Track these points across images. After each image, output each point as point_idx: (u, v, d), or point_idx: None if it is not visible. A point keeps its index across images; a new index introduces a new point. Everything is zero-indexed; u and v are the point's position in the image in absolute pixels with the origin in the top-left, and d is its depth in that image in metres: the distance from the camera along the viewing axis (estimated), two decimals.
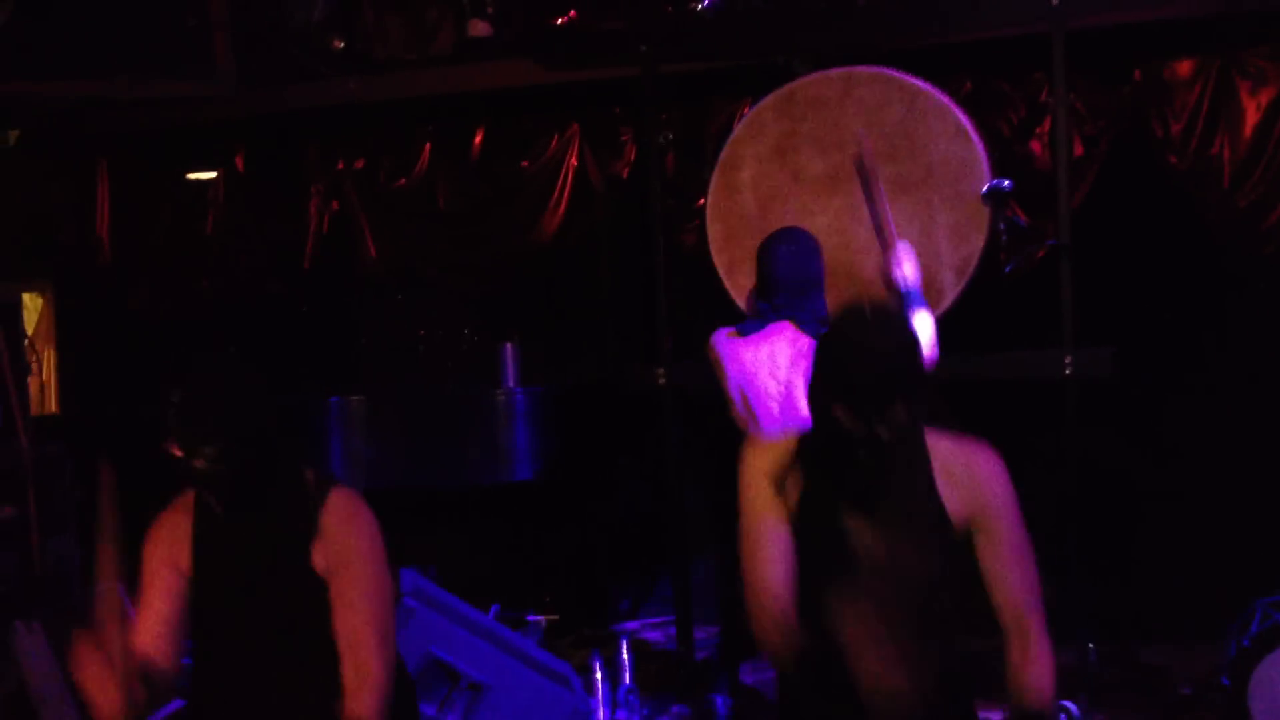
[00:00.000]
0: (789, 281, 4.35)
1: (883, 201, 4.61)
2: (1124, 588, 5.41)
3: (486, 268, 6.43)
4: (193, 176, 6.89)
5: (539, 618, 5.79)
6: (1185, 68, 5.30)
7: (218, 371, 2.71)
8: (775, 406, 4.35)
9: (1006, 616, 2.55)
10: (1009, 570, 2.53)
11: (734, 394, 4.44)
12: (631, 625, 6.29)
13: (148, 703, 2.69)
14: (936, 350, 4.31)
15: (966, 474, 2.54)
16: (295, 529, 2.70)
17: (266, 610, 2.73)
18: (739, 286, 4.90)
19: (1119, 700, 5.03)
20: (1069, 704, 4.83)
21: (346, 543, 2.69)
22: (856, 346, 2.43)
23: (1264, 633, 4.36)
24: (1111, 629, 5.20)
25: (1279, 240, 5.26)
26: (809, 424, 2.61)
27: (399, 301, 6.70)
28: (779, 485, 2.56)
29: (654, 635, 6.16)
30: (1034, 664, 2.53)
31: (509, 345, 6.26)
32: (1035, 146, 5.50)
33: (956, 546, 2.53)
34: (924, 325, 4.32)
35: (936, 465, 2.53)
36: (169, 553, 2.77)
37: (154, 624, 2.75)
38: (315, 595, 2.69)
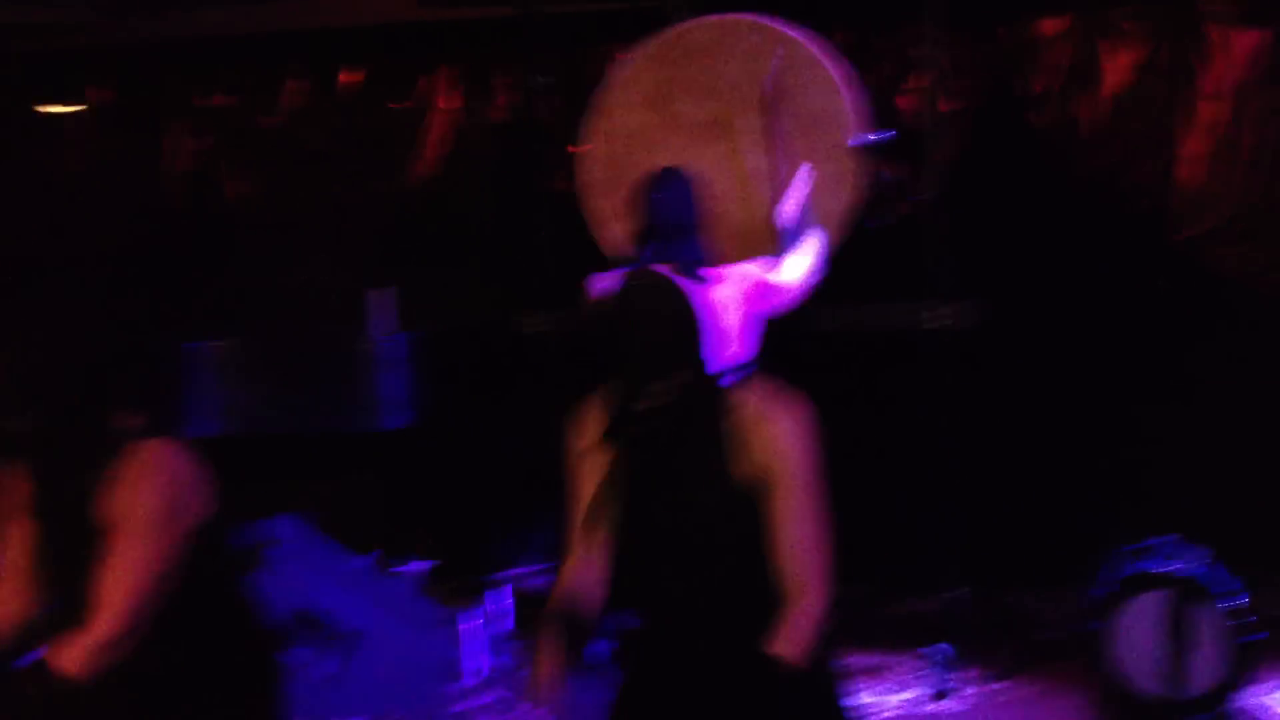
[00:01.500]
0: (664, 227, 4.35)
1: (777, 135, 4.62)
2: (993, 535, 5.56)
3: (356, 210, 6.32)
4: (46, 109, 6.64)
5: (419, 565, 5.75)
6: (1050, 26, 5.39)
7: (13, 337, 2.72)
8: None
9: (781, 572, 2.58)
10: (788, 528, 2.57)
11: None
12: (512, 572, 6.28)
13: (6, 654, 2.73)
14: (816, 277, 4.39)
15: (760, 431, 2.56)
16: (87, 484, 2.69)
17: (68, 564, 2.74)
18: (612, 235, 4.87)
19: (987, 643, 5.18)
20: (945, 646, 4.99)
21: (125, 500, 2.67)
22: (626, 324, 2.57)
23: (1127, 579, 4.50)
24: (981, 575, 5.34)
25: (1135, 198, 5.40)
26: None
27: (264, 243, 6.54)
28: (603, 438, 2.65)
29: (535, 582, 6.17)
30: (793, 624, 2.57)
31: (377, 290, 6.15)
32: (903, 101, 5.57)
33: (743, 506, 2.58)
34: (809, 251, 4.39)
35: (732, 422, 2.56)
36: (13, 504, 2.80)
37: (7, 574, 2.82)
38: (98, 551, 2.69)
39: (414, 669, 4.75)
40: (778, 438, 2.57)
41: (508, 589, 5.34)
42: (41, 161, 6.63)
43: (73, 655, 2.61)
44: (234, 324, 6.38)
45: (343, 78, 6.21)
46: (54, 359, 2.71)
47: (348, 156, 6.26)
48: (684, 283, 4.28)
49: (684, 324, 2.59)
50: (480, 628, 5.12)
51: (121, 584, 2.64)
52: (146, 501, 2.67)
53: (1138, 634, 4.45)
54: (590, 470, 2.72)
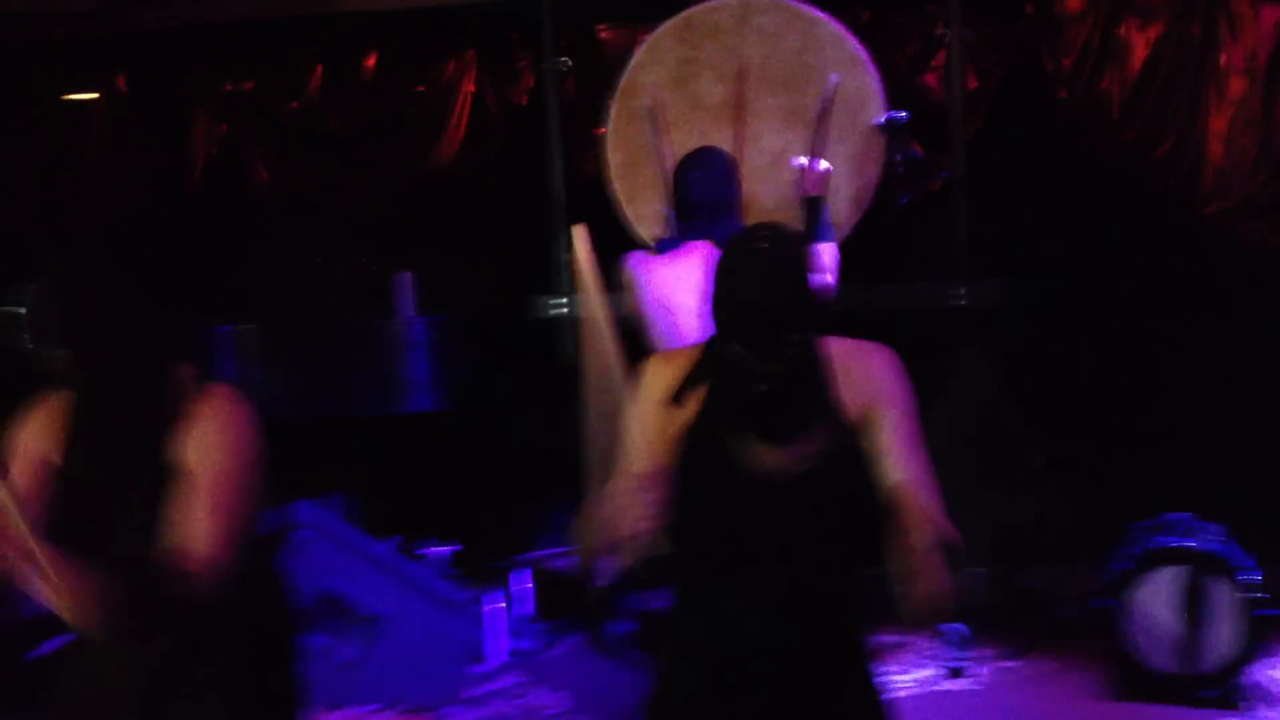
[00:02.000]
0: (703, 205, 4.36)
1: (826, 132, 4.60)
2: (1007, 513, 5.56)
3: (381, 193, 6.29)
4: (72, 97, 6.64)
5: (441, 548, 5.77)
6: (1076, 2, 5.36)
7: (76, 272, 2.60)
8: (695, 322, 4.36)
9: (897, 494, 2.55)
10: (901, 452, 2.56)
11: (653, 313, 4.43)
12: (533, 555, 6.29)
13: None
14: (836, 278, 4.35)
15: (860, 371, 2.59)
16: (160, 421, 2.63)
17: (130, 503, 2.65)
18: (638, 215, 4.88)
19: (1001, 622, 5.20)
20: (960, 624, 4.98)
21: (210, 436, 2.62)
22: (748, 288, 2.47)
23: (1142, 556, 4.51)
24: (995, 554, 5.34)
25: (1166, 173, 5.36)
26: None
27: (290, 228, 6.54)
28: (676, 397, 2.60)
29: (556, 565, 6.18)
30: (921, 533, 2.48)
31: (406, 274, 6.16)
32: (930, 79, 5.53)
33: (854, 450, 2.58)
34: (826, 254, 4.37)
35: (832, 368, 2.58)
36: (39, 441, 2.69)
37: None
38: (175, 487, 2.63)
39: (435, 653, 4.76)
40: (878, 371, 2.59)
41: (528, 572, 5.35)
42: (65, 149, 6.63)
43: (196, 561, 2.53)
44: (257, 309, 6.39)
45: (363, 62, 6.19)
46: (105, 294, 2.59)
47: (368, 140, 6.24)
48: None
49: (805, 279, 2.52)
50: (500, 611, 5.13)
51: (213, 512, 2.57)
52: (229, 441, 2.62)
53: (1152, 610, 4.46)
54: (663, 425, 2.61)
